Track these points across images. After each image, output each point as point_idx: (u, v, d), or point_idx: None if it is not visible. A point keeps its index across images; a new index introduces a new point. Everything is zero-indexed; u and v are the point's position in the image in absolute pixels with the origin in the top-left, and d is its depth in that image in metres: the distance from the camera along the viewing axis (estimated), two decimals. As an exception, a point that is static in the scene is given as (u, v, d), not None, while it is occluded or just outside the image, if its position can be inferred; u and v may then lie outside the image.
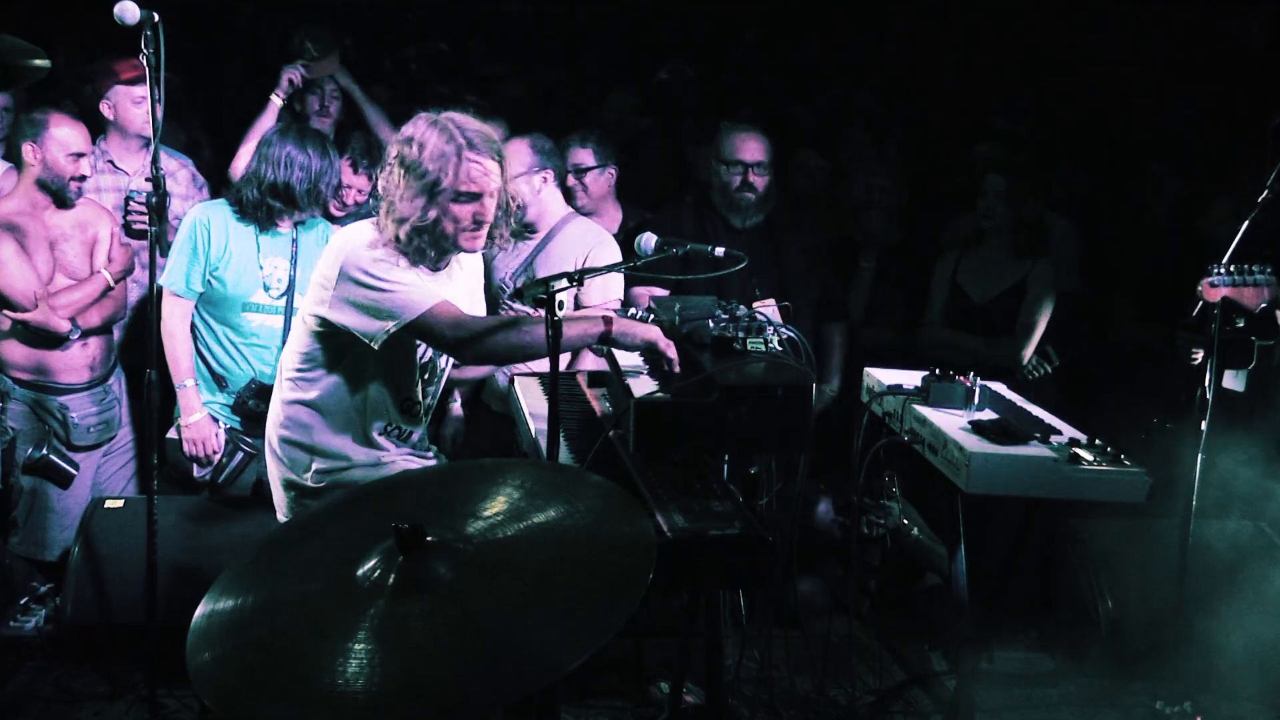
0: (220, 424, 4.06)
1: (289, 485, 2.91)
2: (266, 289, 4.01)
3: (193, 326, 4.07)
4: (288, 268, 4.02)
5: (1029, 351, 4.48)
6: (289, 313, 4.01)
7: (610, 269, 3.23)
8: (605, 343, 2.83)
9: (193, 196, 4.52)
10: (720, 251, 2.98)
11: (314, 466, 2.88)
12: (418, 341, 2.90)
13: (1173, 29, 6.13)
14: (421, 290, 2.76)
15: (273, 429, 2.96)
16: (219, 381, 4.07)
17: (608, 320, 2.78)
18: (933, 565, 4.33)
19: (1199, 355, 3.81)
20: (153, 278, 3.44)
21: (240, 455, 4.03)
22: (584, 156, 4.48)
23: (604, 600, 1.75)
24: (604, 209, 4.58)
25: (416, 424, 3.02)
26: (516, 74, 6.48)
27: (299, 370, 2.89)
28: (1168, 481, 3.21)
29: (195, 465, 4.06)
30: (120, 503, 4.04)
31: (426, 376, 3.02)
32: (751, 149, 4.39)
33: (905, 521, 4.23)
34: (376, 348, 2.77)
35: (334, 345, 2.84)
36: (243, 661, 1.75)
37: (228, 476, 4.04)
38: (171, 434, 4.08)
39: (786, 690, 3.76)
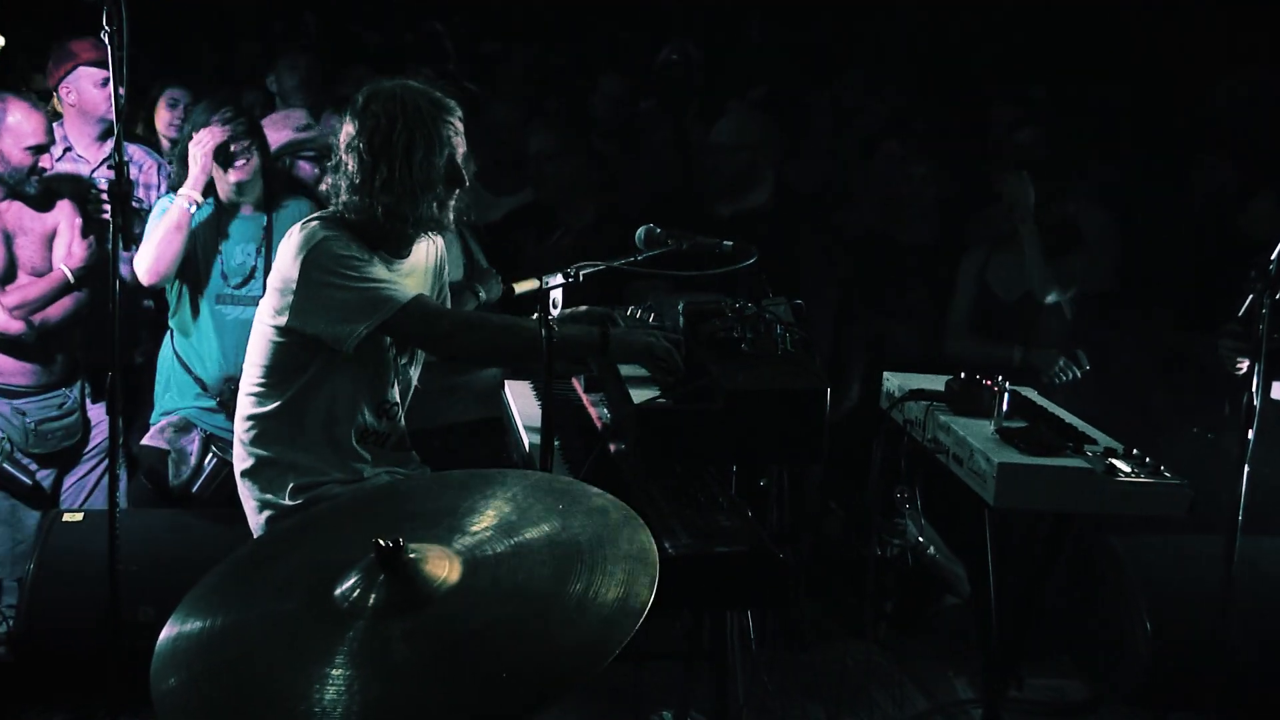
0: (198, 429, 4.07)
1: (265, 505, 2.92)
2: (226, 277, 4.04)
3: (169, 331, 4.12)
4: (255, 255, 4.06)
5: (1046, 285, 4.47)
6: None
7: (607, 264, 3.23)
8: (601, 354, 2.83)
9: (159, 186, 4.55)
10: (728, 245, 2.99)
11: (290, 484, 2.88)
12: (389, 341, 2.91)
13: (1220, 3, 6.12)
14: (393, 286, 2.78)
15: (241, 448, 2.96)
16: (200, 385, 4.09)
17: (604, 326, 2.79)
18: (951, 587, 4.34)
19: (1244, 364, 3.82)
20: (114, 272, 3.44)
21: (214, 461, 4.04)
22: (550, 142, 4.54)
23: (601, 622, 1.76)
24: (581, 199, 4.65)
25: (394, 426, 3.03)
26: (512, 53, 6.51)
27: (263, 383, 2.89)
28: (1211, 495, 3.21)
29: (170, 470, 4.06)
30: (80, 515, 4.04)
31: (400, 376, 3.03)
32: (732, 128, 4.44)
33: (921, 540, 4.23)
34: (350, 351, 2.77)
35: (299, 352, 2.84)
36: (211, 687, 1.75)
37: (203, 484, 4.05)
38: (146, 440, 4.09)
39: (799, 719, 3.77)
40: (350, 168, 2.82)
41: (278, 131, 4.55)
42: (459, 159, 2.88)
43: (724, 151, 4.49)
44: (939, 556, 4.28)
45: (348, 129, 2.84)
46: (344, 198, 2.84)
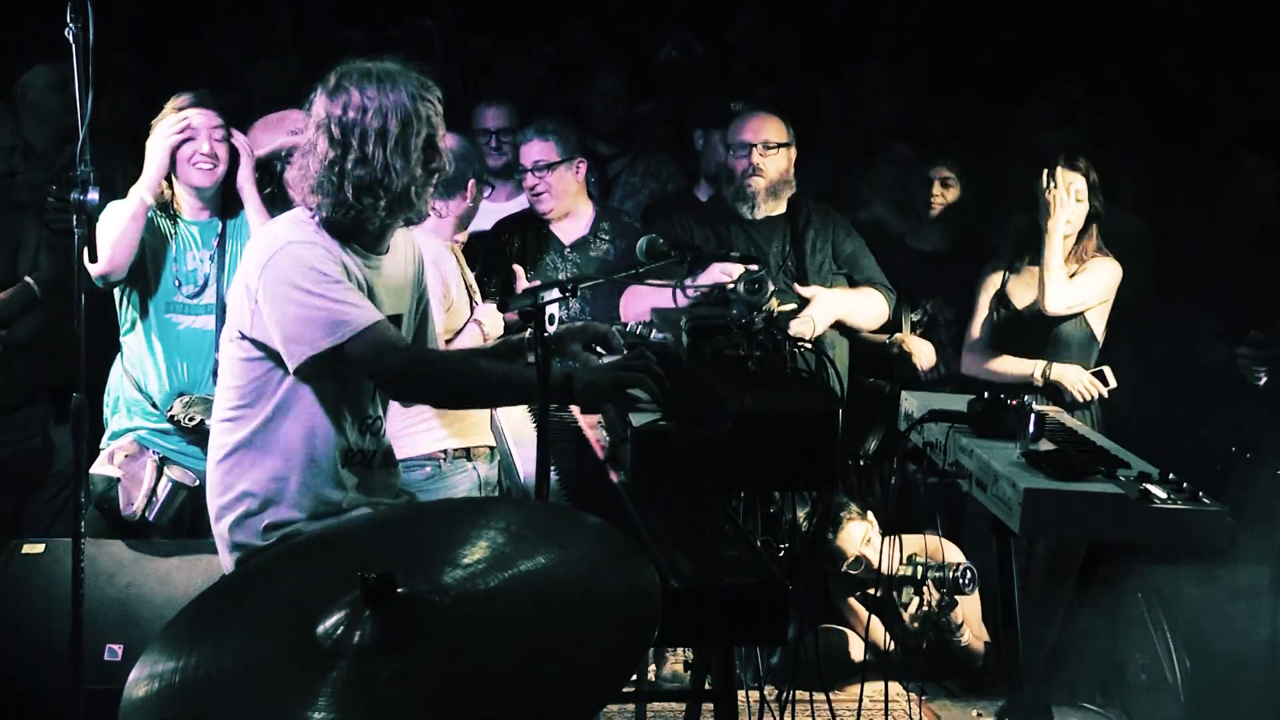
0: (152, 452, 4.06)
1: (236, 546, 2.92)
2: (178, 286, 4.05)
3: (118, 345, 4.12)
4: (209, 263, 4.07)
5: (1061, 294, 4.46)
6: (221, 315, 4.05)
7: (606, 277, 3.25)
8: (567, 399, 2.81)
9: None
10: (736, 256, 3.00)
11: (265, 522, 2.88)
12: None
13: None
14: (355, 309, 2.75)
15: (214, 483, 2.95)
16: (150, 403, 4.09)
17: (568, 376, 2.75)
18: (965, 661, 4.38)
19: (1263, 375, 3.82)
20: (79, 286, 3.44)
21: (171, 486, 4.03)
22: (547, 151, 4.55)
23: (601, 659, 1.77)
24: (577, 209, 4.66)
25: (379, 443, 3.03)
26: (507, 51, 6.55)
27: (236, 406, 2.88)
28: (1254, 521, 3.22)
29: (123, 498, 4.05)
30: (40, 546, 4.04)
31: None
32: (757, 127, 4.48)
33: (958, 624, 4.26)
34: (294, 371, 2.76)
35: (271, 368, 2.83)
36: (185, 732, 1.76)
37: (159, 512, 4.03)
38: (94, 468, 4.07)
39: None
40: (321, 147, 2.82)
41: (270, 133, 4.54)
42: (438, 141, 2.90)
43: (753, 149, 4.52)
44: (965, 641, 4.31)
45: (317, 111, 2.84)
46: (312, 180, 2.83)
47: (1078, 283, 4.46)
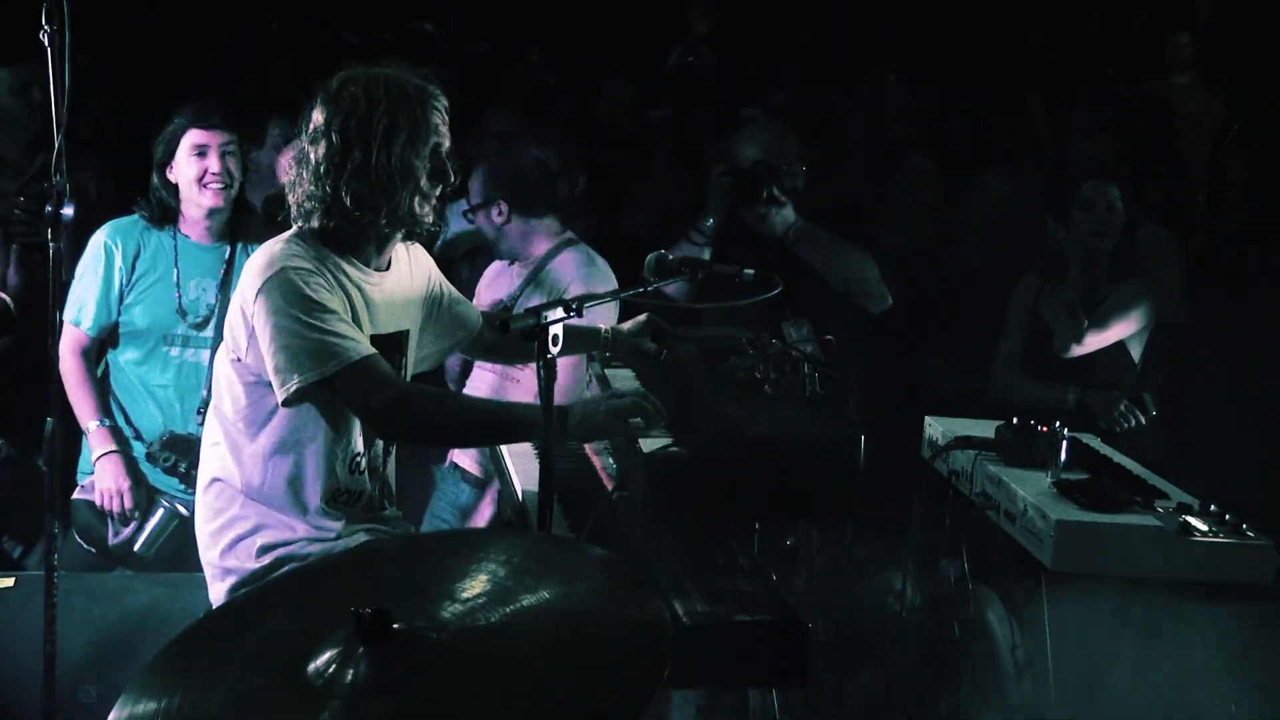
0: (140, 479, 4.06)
1: (228, 572, 2.93)
2: (184, 314, 4.05)
3: (105, 370, 4.12)
4: (215, 291, 4.07)
5: (1090, 338, 4.47)
6: (216, 347, 4.05)
7: (615, 295, 3.25)
8: (563, 436, 2.81)
9: None
10: (750, 274, 3.01)
11: (258, 542, 2.90)
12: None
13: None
14: (347, 342, 2.77)
15: (204, 508, 2.97)
16: (136, 434, 4.09)
17: (563, 411, 2.77)
18: None
19: None
20: (53, 304, 3.45)
21: (163, 514, 4.02)
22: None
23: (607, 700, 1.77)
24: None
25: (366, 484, 3.03)
26: (505, 55, 6.60)
27: (229, 432, 2.92)
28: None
29: (110, 527, 4.06)
30: (10, 580, 4.03)
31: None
32: (751, 139, 4.50)
33: None
34: (280, 403, 2.79)
35: (266, 396, 2.85)
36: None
37: (149, 541, 4.03)
38: (77, 494, 4.08)
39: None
40: (315, 157, 2.82)
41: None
42: (443, 151, 2.91)
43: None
44: None
45: (316, 117, 2.84)
46: (305, 189, 2.84)
47: (1109, 321, 4.47)
